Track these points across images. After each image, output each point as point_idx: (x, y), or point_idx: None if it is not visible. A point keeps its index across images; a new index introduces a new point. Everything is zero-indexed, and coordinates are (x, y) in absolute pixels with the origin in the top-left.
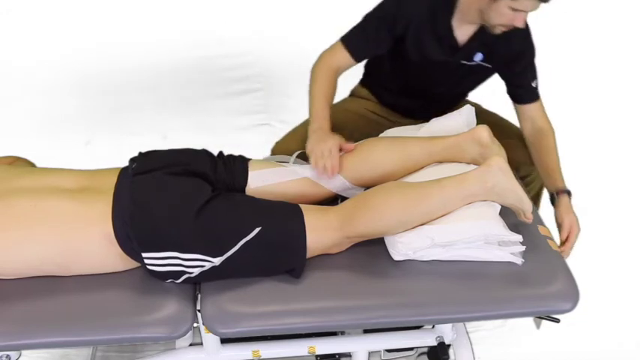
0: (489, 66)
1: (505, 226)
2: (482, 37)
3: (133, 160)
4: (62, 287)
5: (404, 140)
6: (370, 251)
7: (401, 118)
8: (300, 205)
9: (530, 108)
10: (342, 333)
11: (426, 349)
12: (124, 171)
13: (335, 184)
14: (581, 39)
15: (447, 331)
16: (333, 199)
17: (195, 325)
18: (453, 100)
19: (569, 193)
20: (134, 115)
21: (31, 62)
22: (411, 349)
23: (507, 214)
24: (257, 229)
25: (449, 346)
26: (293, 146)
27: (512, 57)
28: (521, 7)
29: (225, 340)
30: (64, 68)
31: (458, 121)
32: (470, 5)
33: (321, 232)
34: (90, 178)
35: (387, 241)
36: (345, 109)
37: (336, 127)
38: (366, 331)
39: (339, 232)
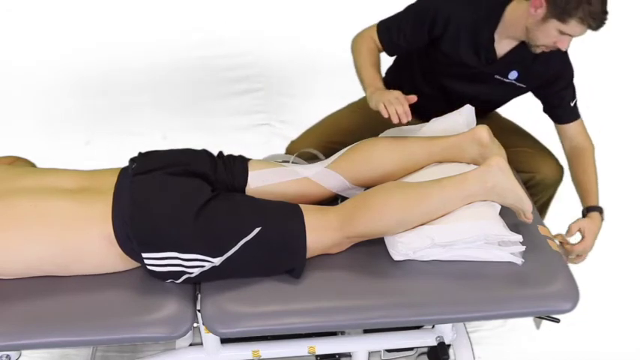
0: (523, 86)
1: (505, 226)
2: (521, 54)
3: (132, 160)
4: (62, 287)
5: (404, 140)
6: (370, 251)
7: (418, 121)
8: (300, 205)
9: (569, 127)
10: (342, 333)
11: (426, 349)
12: (123, 171)
13: (335, 184)
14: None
15: (447, 331)
16: (333, 199)
17: (195, 325)
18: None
19: (600, 210)
20: (134, 115)
21: (31, 62)
22: (411, 349)
23: (507, 214)
24: (257, 229)
25: (449, 346)
26: (309, 145)
27: (549, 78)
28: (569, 32)
29: (225, 340)
30: (64, 68)
31: (458, 121)
32: (517, 20)
33: (321, 232)
34: (90, 178)
35: (387, 241)
36: (358, 109)
37: (352, 128)
38: (366, 331)
39: (339, 232)
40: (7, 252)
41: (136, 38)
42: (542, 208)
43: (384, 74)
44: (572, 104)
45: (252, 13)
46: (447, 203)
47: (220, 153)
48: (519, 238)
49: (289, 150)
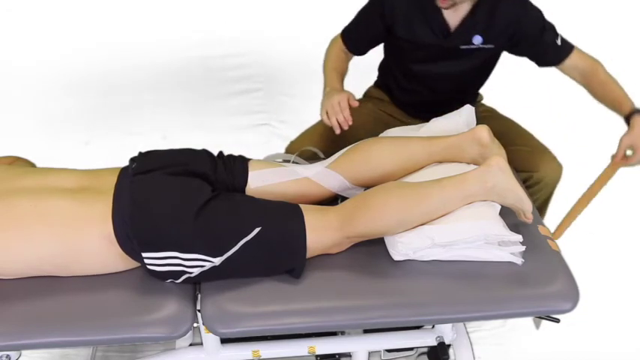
0: (492, 46)
1: (505, 226)
2: (475, 18)
3: (133, 160)
4: (62, 287)
5: (404, 140)
6: (370, 251)
7: (413, 119)
8: (300, 205)
9: (568, 62)
10: (342, 333)
11: (426, 349)
12: (124, 171)
13: (335, 184)
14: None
15: (447, 331)
16: (333, 199)
17: (195, 325)
18: (465, 93)
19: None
20: (134, 115)
21: (31, 62)
22: (411, 349)
23: (507, 214)
24: (257, 229)
25: (449, 346)
26: (308, 145)
27: (515, 29)
28: None
29: (225, 340)
30: (64, 68)
31: (458, 121)
32: None
33: (321, 232)
34: (90, 178)
35: (387, 241)
36: (357, 111)
37: (350, 130)
38: (366, 331)
39: (339, 232)
40: (7, 252)
41: (136, 38)
42: (541, 207)
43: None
44: (558, 42)
45: (252, 13)
46: (447, 203)
47: (220, 153)
48: (519, 238)
49: (289, 150)
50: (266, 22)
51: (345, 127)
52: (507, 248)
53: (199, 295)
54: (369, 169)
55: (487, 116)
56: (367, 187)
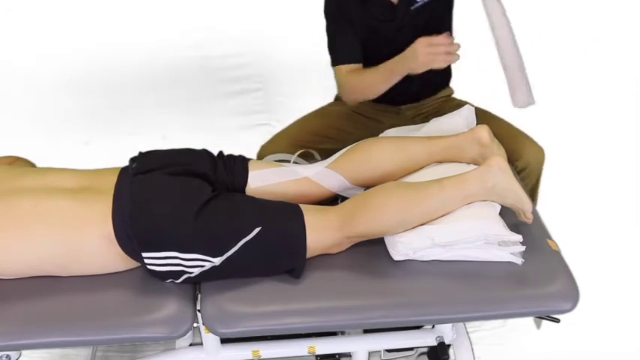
0: None
1: (505, 226)
2: None
3: (133, 160)
4: (62, 287)
5: (404, 140)
6: (370, 251)
7: (388, 107)
8: (300, 205)
9: None
10: (342, 333)
11: (426, 349)
12: (124, 171)
13: (335, 184)
14: (576, 39)
15: (447, 331)
16: (333, 199)
17: (195, 325)
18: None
19: None
20: (134, 115)
21: (31, 62)
22: (411, 349)
23: (507, 214)
24: (257, 229)
25: (449, 346)
26: (281, 149)
27: None
28: None
29: (225, 340)
30: (64, 68)
31: (458, 121)
32: None
33: (321, 232)
34: (90, 178)
35: (387, 241)
36: (327, 112)
37: (321, 131)
38: (366, 331)
39: (339, 232)
40: (7, 252)
41: (136, 38)
42: (531, 193)
43: None
44: None
45: (252, 13)
46: (447, 203)
47: (220, 153)
48: (519, 238)
49: (260, 153)
50: (266, 22)
51: (451, 59)
52: (507, 248)
53: (199, 295)
54: (369, 169)
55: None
56: (367, 187)
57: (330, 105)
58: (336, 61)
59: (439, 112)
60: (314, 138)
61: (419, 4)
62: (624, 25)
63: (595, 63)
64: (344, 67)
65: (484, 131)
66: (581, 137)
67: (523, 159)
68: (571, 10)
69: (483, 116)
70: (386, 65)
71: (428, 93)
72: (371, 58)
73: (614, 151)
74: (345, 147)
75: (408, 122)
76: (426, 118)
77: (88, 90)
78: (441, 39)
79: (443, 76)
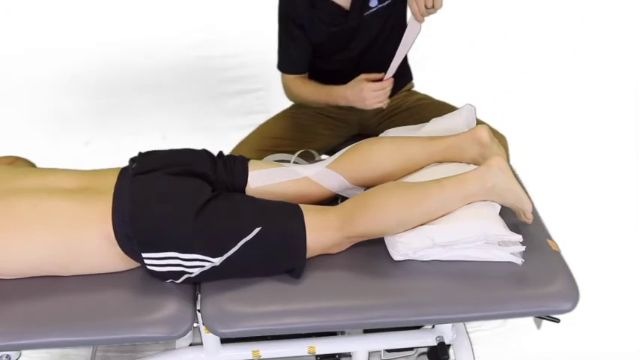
0: (388, 1)
1: (505, 226)
2: None
3: (133, 160)
4: (62, 287)
5: (404, 140)
6: (370, 251)
7: (353, 111)
8: (300, 205)
9: None
10: (342, 333)
11: (426, 349)
12: (124, 171)
13: (335, 184)
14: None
15: (447, 331)
16: (333, 199)
17: (195, 325)
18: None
19: None
20: (134, 115)
21: (31, 62)
22: (411, 349)
23: (507, 214)
24: (257, 229)
25: (449, 346)
26: (243, 154)
27: None
28: None
29: (225, 340)
30: (65, 68)
31: (458, 121)
32: None
33: (321, 232)
34: (90, 178)
35: (387, 241)
36: (290, 115)
37: (286, 134)
38: (366, 331)
39: (339, 232)
40: (7, 252)
41: (136, 38)
42: None
43: None
44: None
45: (252, 13)
46: (447, 203)
47: (220, 153)
48: (519, 238)
49: None
50: (266, 22)
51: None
52: (507, 248)
53: (199, 295)
54: (369, 169)
55: (424, 104)
56: (367, 187)
57: (292, 107)
58: (281, 67)
59: (401, 106)
60: (278, 142)
61: (372, 9)
62: (615, 24)
63: (586, 63)
64: (288, 76)
65: (484, 131)
66: (581, 137)
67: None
68: (561, 9)
69: (445, 109)
70: (328, 92)
71: (391, 93)
72: (327, 62)
73: (613, 151)
74: (312, 148)
75: (371, 118)
76: (388, 114)
77: (88, 90)
78: (385, 84)
79: (404, 76)
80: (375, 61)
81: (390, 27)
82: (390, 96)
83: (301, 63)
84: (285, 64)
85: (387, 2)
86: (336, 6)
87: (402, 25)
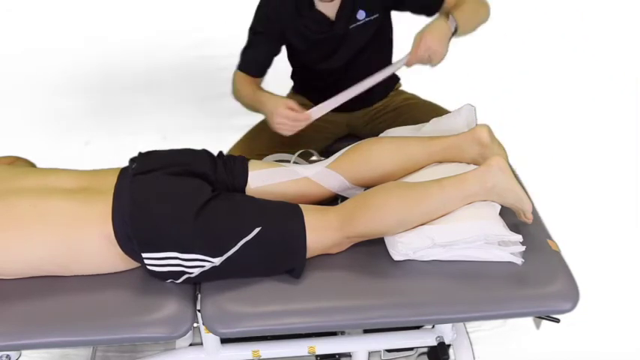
0: (376, 15)
1: (505, 226)
2: (348, 1)
3: (133, 160)
4: (62, 287)
5: (404, 140)
6: (370, 251)
7: (340, 113)
8: (300, 205)
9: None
10: (342, 333)
11: (426, 349)
12: (124, 171)
13: (335, 184)
14: (576, 40)
15: (447, 331)
16: (333, 199)
17: (195, 325)
18: (379, 67)
19: (456, 29)
20: (134, 115)
21: (31, 62)
22: (411, 349)
23: (507, 214)
24: (257, 229)
25: (449, 346)
26: (242, 152)
27: None
28: None
29: (225, 340)
30: (64, 68)
31: (458, 121)
32: None
33: (321, 232)
34: (90, 178)
35: (387, 241)
36: None
37: (276, 138)
38: (366, 331)
39: (339, 232)
40: (7, 252)
41: (136, 38)
42: None
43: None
44: None
45: (252, 14)
46: (447, 203)
47: (220, 153)
48: (519, 238)
49: None
50: None
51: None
52: (507, 248)
53: (199, 295)
54: (369, 169)
55: (412, 104)
56: (367, 187)
57: None
58: (239, 64)
59: (388, 106)
60: (268, 144)
61: (360, 22)
62: (615, 24)
63: (586, 62)
64: (242, 76)
65: (484, 131)
66: (581, 137)
67: None
68: (561, 9)
69: (432, 109)
70: (258, 98)
71: (380, 96)
72: (312, 71)
73: (613, 150)
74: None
75: (359, 119)
76: (376, 114)
77: (88, 90)
78: (300, 117)
79: (391, 78)
80: (360, 73)
81: (377, 40)
82: (377, 101)
83: (260, 67)
84: (244, 64)
85: (375, 16)
86: (322, 15)
87: (388, 40)
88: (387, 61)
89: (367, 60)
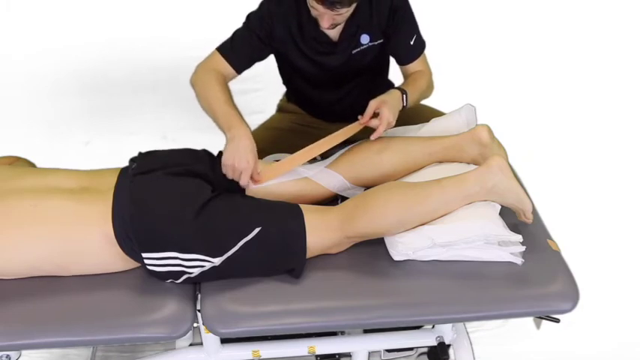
0: (380, 40)
1: (505, 226)
2: (354, 19)
3: (132, 160)
4: (62, 287)
5: (404, 140)
6: (370, 251)
7: (332, 125)
8: (300, 205)
9: (411, 67)
10: (342, 333)
11: (426, 349)
12: (123, 171)
13: (335, 184)
14: (580, 39)
15: (447, 331)
16: (333, 199)
17: (195, 325)
18: (376, 86)
19: (405, 95)
20: (134, 115)
21: (31, 62)
22: (411, 349)
23: (507, 214)
24: (257, 229)
25: (449, 346)
26: None
27: (387, 18)
28: (314, 6)
29: (225, 340)
30: (64, 68)
31: (458, 121)
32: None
33: (321, 232)
34: (90, 178)
35: (387, 241)
36: (274, 127)
37: (269, 146)
38: (366, 331)
39: (339, 232)
40: (7, 252)
41: (136, 38)
42: None
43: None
44: (411, 43)
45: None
46: (447, 203)
47: (220, 153)
48: (519, 238)
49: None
50: None
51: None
52: (507, 248)
53: (199, 295)
54: (369, 169)
55: (409, 108)
56: (367, 187)
57: (274, 119)
58: (221, 46)
59: None
60: (261, 149)
61: (364, 46)
62: (615, 24)
63: (586, 62)
64: (220, 60)
65: (484, 131)
66: (581, 137)
67: None
68: (561, 8)
69: (424, 109)
70: (226, 116)
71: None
72: (313, 86)
73: (614, 150)
74: None
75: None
76: None
77: (87, 90)
78: (253, 175)
79: (388, 85)
80: (355, 93)
81: (379, 60)
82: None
83: (241, 62)
84: (228, 52)
85: (379, 41)
86: (326, 36)
87: (387, 59)
88: (381, 83)
89: (364, 84)
